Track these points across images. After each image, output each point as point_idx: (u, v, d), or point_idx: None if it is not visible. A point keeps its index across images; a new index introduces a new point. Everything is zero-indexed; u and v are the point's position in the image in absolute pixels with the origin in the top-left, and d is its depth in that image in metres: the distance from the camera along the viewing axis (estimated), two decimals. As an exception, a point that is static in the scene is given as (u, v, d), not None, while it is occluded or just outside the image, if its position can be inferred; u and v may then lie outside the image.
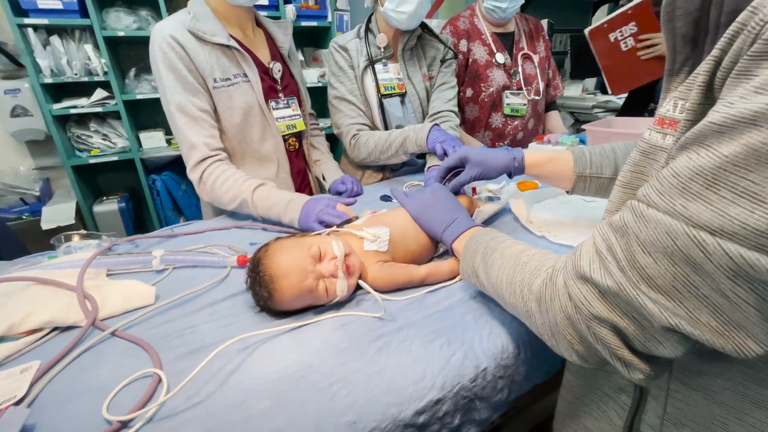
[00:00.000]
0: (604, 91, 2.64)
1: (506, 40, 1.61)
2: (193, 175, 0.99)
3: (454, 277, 0.70)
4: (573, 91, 3.04)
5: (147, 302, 0.67)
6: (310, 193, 1.27)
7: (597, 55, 1.84)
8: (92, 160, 2.15)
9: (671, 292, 0.30)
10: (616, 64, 1.78)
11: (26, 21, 1.85)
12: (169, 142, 2.35)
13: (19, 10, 1.85)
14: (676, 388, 0.40)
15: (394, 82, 1.28)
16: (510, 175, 0.79)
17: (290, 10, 2.34)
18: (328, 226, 0.79)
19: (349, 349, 0.55)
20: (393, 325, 0.59)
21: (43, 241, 0.84)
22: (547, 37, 1.74)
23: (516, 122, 1.65)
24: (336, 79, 1.27)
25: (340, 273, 0.60)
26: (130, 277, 0.75)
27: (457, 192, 0.82)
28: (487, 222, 0.91)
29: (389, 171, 1.37)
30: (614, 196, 0.41)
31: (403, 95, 1.31)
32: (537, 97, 1.65)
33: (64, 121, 2.17)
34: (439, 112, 1.31)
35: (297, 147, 1.20)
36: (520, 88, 1.62)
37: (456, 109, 1.36)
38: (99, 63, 2.01)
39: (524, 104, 1.62)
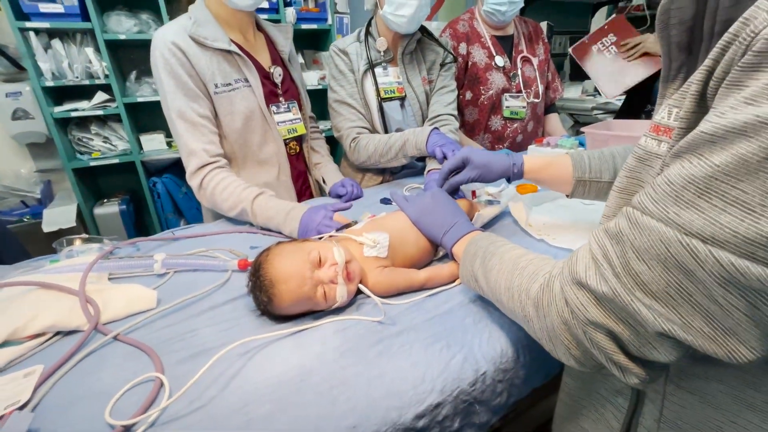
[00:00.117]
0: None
1: (505, 43, 1.62)
2: (192, 182, 1.00)
3: (453, 281, 0.70)
4: (572, 92, 3.04)
5: (149, 306, 0.67)
6: (311, 197, 1.28)
7: (585, 68, 2.02)
8: (93, 163, 2.16)
9: (665, 298, 0.30)
10: (605, 70, 1.92)
11: (28, 24, 1.86)
12: (169, 144, 2.35)
13: (20, 14, 1.86)
14: (672, 391, 0.41)
15: (393, 85, 1.29)
16: (509, 180, 0.80)
17: (290, 12, 2.35)
18: None
19: (349, 353, 0.55)
20: (393, 328, 0.60)
21: (44, 244, 0.84)
22: (546, 40, 1.74)
23: (515, 125, 1.66)
24: (336, 82, 1.28)
25: (340, 279, 0.60)
26: (132, 281, 0.76)
27: (454, 192, 0.83)
28: (487, 225, 0.92)
29: (389, 174, 1.37)
30: (611, 201, 0.42)
31: (402, 99, 1.32)
32: (536, 100, 1.66)
33: (65, 123, 2.17)
34: (438, 116, 1.32)
35: (298, 151, 1.21)
36: (520, 91, 1.62)
37: (455, 112, 1.37)
38: (100, 66, 2.02)
39: (523, 107, 1.63)
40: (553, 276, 0.41)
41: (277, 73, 1.10)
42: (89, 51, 2.01)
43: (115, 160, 2.20)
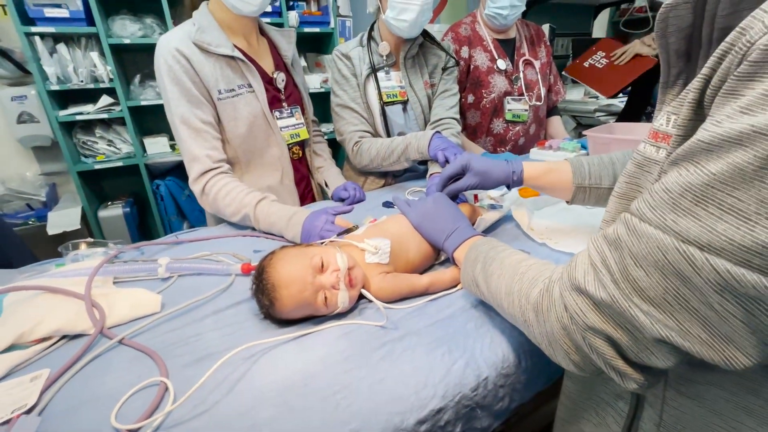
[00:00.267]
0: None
1: (507, 47, 1.62)
2: (195, 187, 1.01)
3: (455, 286, 0.71)
4: (575, 95, 3.04)
5: (153, 310, 0.68)
6: (313, 200, 1.29)
7: (581, 80, 2.23)
8: (97, 166, 2.17)
9: (662, 304, 0.31)
10: (599, 77, 2.12)
11: (33, 29, 1.88)
12: (172, 147, 2.37)
13: (26, 19, 1.88)
14: (671, 396, 0.41)
15: (396, 89, 1.30)
16: (509, 187, 0.80)
17: (293, 16, 2.36)
18: None
19: (352, 357, 0.56)
20: (395, 333, 0.60)
21: (49, 246, 0.85)
22: (548, 43, 1.75)
23: (517, 128, 1.66)
24: (339, 86, 1.29)
25: (342, 285, 0.60)
26: (136, 285, 0.76)
27: (454, 198, 0.83)
28: (489, 229, 0.92)
29: (391, 177, 1.38)
30: (610, 207, 0.42)
31: (405, 103, 1.33)
32: (538, 103, 1.66)
33: (70, 127, 2.19)
34: (440, 120, 1.32)
35: (300, 155, 1.22)
36: (522, 94, 1.63)
37: (458, 116, 1.37)
38: (104, 70, 2.04)
39: (526, 110, 1.63)
40: (552, 281, 0.42)
41: (280, 78, 1.11)
42: (94, 55, 2.03)
43: (119, 163, 2.21)
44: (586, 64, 2.23)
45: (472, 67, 1.59)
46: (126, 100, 2.13)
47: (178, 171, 2.42)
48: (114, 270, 0.77)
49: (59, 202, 2.28)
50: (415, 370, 0.53)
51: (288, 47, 1.17)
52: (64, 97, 2.18)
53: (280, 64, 1.15)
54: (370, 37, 1.29)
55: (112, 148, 2.24)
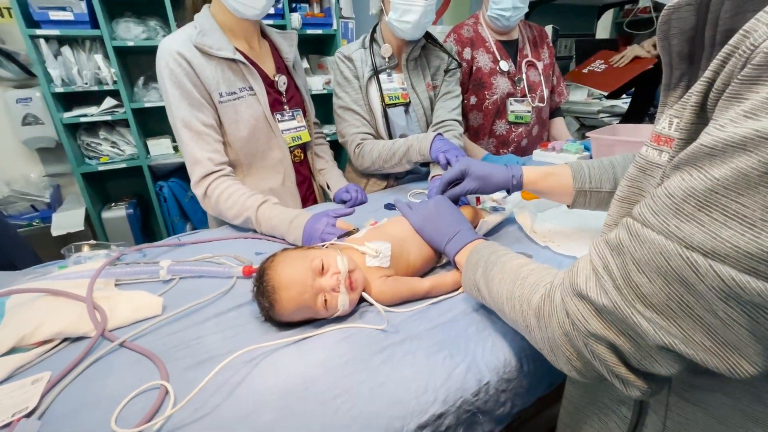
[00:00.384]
0: (610, 96, 2.66)
1: (510, 48, 1.62)
2: (197, 190, 1.01)
3: (457, 289, 0.70)
4: (578, 96, 3.03)
5: (155, 313, 0.68)
6: (315, 202, 1.29)
7: (581, 83, 2.33)
8: (101, 168, 2.18)
9: (666, 311, 0.30)
10: (599, 78, 2.22)
11: (38, 32, 1.89)
12: (176, 149, 2.38)
13: (31, 22, 1.90)
14: (675, 402, 0.41)
15: (398, 92, 1.29)
16: (508, 192, 0.80)
17: (296, 18, 2.37)
18: None
19: (353, 361, 0.55)
20: (396, 337, 0.60)
21: (53, 248, 0.86)
22: (551, 44, 1.74)
23: (520, 129, 1.66)
24: (341, 89, 1.29)
25: (342, 288, 0.60)
26: (138, 287, 0.76)
27: (456, 201, 0.83)
28: (492, 232, 0.92)
29: (393, 179, 1.38)
30: (612, 211, 0.42)
31: (407, 105, 1.32)
32: (541, 105, 1.66)
33: (74, 129, 2.20)
34: (442, 121, 1.32)
35: (302, 158, 1.22)
36: (525, 96, 1.62)
37: (460, 117, 1.37)
38: (108, 72, 2.05)
39: (528, 111, 1.63)
40: (554, 286, 0.41)
41: (282, 81, 1.11)
42: (98, 57, 2.04)
43: (123, 165, 2.22)
44: (585, 71, 2.32)
45: (474, 68, 1.58)
46: (129, 102, 2.14)
47: (181, 173, 2.43)
48: (116, 272, 0.77)
49: (63, 204, 2.29)
50: (416, 375, 0.53)
51: (289, 50, 1.17)
52: (69, 99, 2.19)
53: (282, 66, 1.15)
54: (373, 39, 1.30)
55: (115, 150, 2.25)
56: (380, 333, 0.60)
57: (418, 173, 1.41)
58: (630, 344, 0.33)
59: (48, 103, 2.00)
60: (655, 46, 1.98)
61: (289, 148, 1.15)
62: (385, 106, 1.27)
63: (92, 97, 2.16)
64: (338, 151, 1.84)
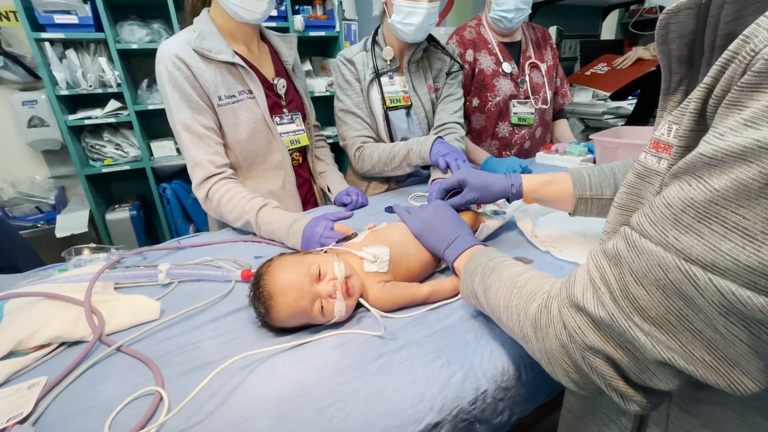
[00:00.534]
0: (614, 98, 2.64)
1: (513, 50, 1.61)
2: (198, 193, 1.01)
3: (456, 295, 0.69)
4: (583, 97, 3.01)
5: (152, 317, 0.68)
6: (315, 205, 1.28)
7: (584, 85, 2.39)
8: (105, 169, 2.20)
9: (664, 324, 0.29)
10: (601, 80, 2.27)
11: (43, 35, 1.91)
12: (179, 151, 2.39)
13: (36, 25, 1.91)
14: (676, 414, 0.40)
15: (399, 94, 1.29)
16: (509, 200, 0.79)
17: (298, 20, 2.37)
18: None
19: (349, 368, 0.55)
20: (394, 343, 0.59)
21: (58, 249, 0.86)
22: (554, 46, 1.73)
23: (523, 131, 1.64)
24: (342, 91, 1.28)
25: (338, 294, 0.60)
26: (137, 291, 0.76)
27: (458, 208, 0.82)
28: (493, 236, 0.91)
29: (394, 182, 1.37)
30: (611, 218, 0.41)
31: (408, 107, 1.32)
32: (544, 106, 1.64)
33: (79, 131, 2.22)
34: (444, 124, 1.31)
35: (301, 161, 1.22)
36: (528, 97, 1.61)
37: (462, 120, 1.36)
38: (112, 75, 2.06)
39: (532, 113, 1.62)
40: (551, 296, 0.40)
41: (281, 84, 1.11)
42: (102, 60, 2.05)
43: (127, 167, 2.24)
44: (588, 73, 2.38)
45: (477, 70, 1.57)
46: (133, 104, 2.16)
47: (184, 175, 2.44)
48: (115, 276, 0.78)
49: (68, 205, 2.30)
50: (413, 383, 0.52)
51: (289, 53, 1.16)
52: (74, 102, 2.21)
53: (281, 69, 1.15)
54: (374, 42, 1.29)
55: (119, 152, 2.26)
56: (377, 339, 0.60)
57: (419, 176, 1.40)
58: (628, 358, 0.33)
59: (53, 106, 2.02)
60: None
61: (288, 151, 1.15)
62: (387, 109, 1.27)
63: (96, 100, 2.17)
64: (340, 153, 1.84)
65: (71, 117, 2.08)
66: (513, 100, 1.60)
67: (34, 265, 0.92)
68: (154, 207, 2.41)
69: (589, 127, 2.89)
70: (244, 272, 0.77)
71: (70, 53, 2.01)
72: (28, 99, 2.10)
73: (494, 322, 0.61)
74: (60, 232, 1.98)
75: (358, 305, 0.64)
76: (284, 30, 2.35)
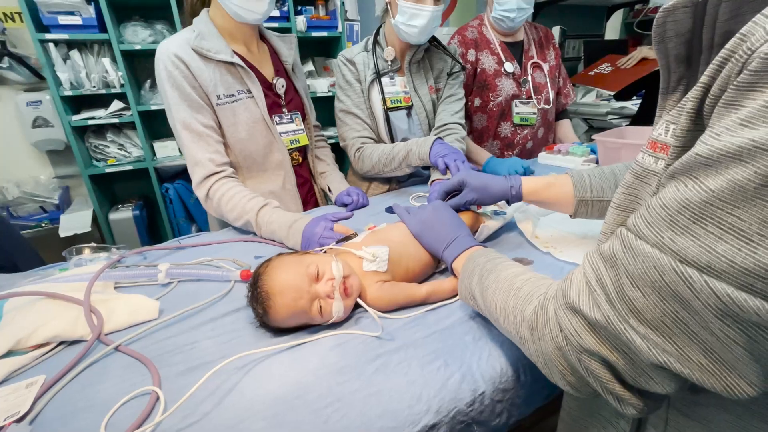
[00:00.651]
0: (618, 98, 2.62)
1: (515, 49, 1.60)
2: (199, 192, 1.01)
3: (455, 296, 0.69)
4: (587, 97, 2.99)
5: (151, 317, 0.68)
6: (316, 205, 1.28)
7: (587, 85, 2.36)
8: (108, 169, 2.21)
9: (660, 327, 0.29)
10: (605, 80, 2.24)
11: (48, 36, 1.92)
12: (181, 151, 2.40)
13: (41, 26, 1.93)
14: (674, 417, 0.39)
15: (400, 95, 1.29)
16: (508, 202, 0.79)
17: (301, 21, 2.37)
18: None
19: (346, 369, 0.55)
20: (392, 344, 0.59)
21: (61, 248, 0.87)
22: (557, 46, 1.72)
23: (525, 131, 1.64)
24: (343, 92, 1.28)
25: (336, 294, 0.59)
26: (137, 290, 0.77)
27: (458, 208, 0.82)
28: (493, 236, 0.90)
29: (395, 182, 1.37)
30: (609, 218, 0.41)
31: (409, 108, 1.32)
32: (547, 106, 1.64)
33: (82, 131, 2.24)
34: (445, 125, 1.31)
35: (300, 161, 1.22)
36: (530, 97, 1.60)
37: (463, 121, 1.35)
38: (116, 76, 2.07)
39: (534, 113, 1.61)
40: (547, 298, 0.40)
41: (280, 84, 1.11)
42: (106, 61, 2.07)
43: (130, 167, 2.25)
44: (591, 73, 2.35)
45: (478, 70, 1.57)
46: (136, 104, 2.17)
47: (186, 174, 2.42)
48: (115, 275, 0.78)
49: (71, 205, 2.32)
50: (410, 384, 0.52)
51: (289, 53, 1.17)
52: (77, 102, 2.23)
53: (281, 69, 1.15)
54: (376, 42, 1.29)
55: (122, 152, 2.28)
56: (375, 340, 0.60)
57: (420, 176, 1.40)
58: (624, 361, 0.32)
59: (57, 106, 2.03)
60: None
61: (288, 150, 1.15)
62: (387, 110, 1.27)
63: (100, 100, 2.19)
64: (341, 154, 1.84)
65: (75, 117, 2.10)
66: (515, 100, 1.60)
67: (34, 265, 0.93)
68: (156, 207, 2.43)
69: (593, 127, 2.87)
70: (244, 272, 0.77)
71: (74, 54, 2.02)
72: (32, 99, 2.11)
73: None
74: (63, 232, 2.00)
75: (357, 305, 0.64)
76: (287, 30, 2.35)
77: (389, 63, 1.28)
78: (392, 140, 1.30)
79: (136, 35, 2.11)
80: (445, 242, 0.67)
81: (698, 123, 0.30)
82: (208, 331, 0.65)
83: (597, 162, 1.39)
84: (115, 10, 2.07)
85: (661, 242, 0.28)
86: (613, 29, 3.78)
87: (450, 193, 0.82)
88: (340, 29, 2.53)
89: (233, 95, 1.02)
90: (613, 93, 2.28)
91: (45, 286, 0.72)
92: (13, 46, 2.10)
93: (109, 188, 2.52)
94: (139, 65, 2.40)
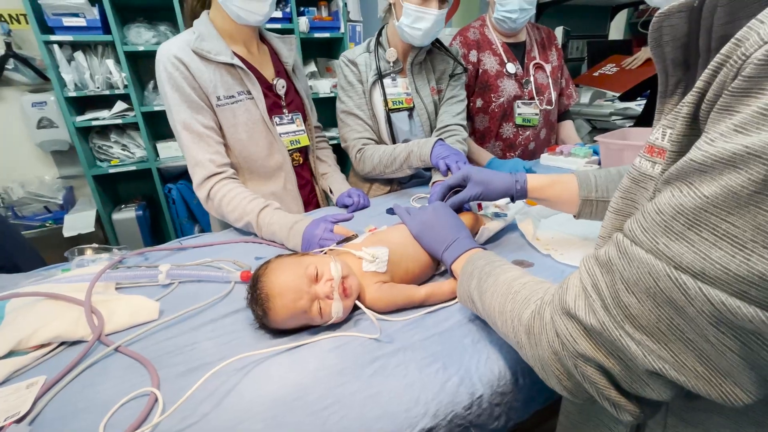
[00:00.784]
0: (623, 98, 2.61)
1: (518, 50, 1.60)
2: (200, 193, 1.01)
3: (454, 298, 0.69)
4: (590, 98, 2.98)
5: (151, 317, 0.68)
6: (317, 206, 1.29)
7: (592, 86, 2.36)
8: (112, 170, 2.22)
9: (656, 333, 0.29)
10: (610, 81, 2.24)
11: (52, 38, 1.94)
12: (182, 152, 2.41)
13: (45, 28, 1.94)
14: (673, 423, 0.39)
15: (402, 96, 1.29)
16: (512, 199, 0.78)
17: (303, 22, 2.38)
18: None
19: (344, 371, 0.55)
20: (390, 347, 0.59)
21: (65, 249, 0.87)
22: (559, 46, 1.72)
23: (527, 132, 1.63)
24: (344, 93, 1.28)
25: (335, 295, 0.60)
26: (138, 291, 0.77)
27: (459, 208, 0.82)
28: (493, 238, 0.90)
29: (397, 183, 1.37)
30: (607, 222, 0.41)
31: (411, 109, 1.31)
32: (549, 107, 1.63)
33: (86, 132, 2.25)
34: (447, 126, 1.31)
35: (301, 162, 1.22)
36: (532, 98, 1.60)
37: (464, 122, 1.35)
38: (120, 77, 2.09)
39: (536, 114, 1.60)
40: (544, 303, 0.40)
41: (281, 85, 1.12)
42: (110, 62, 2.08)
43: (133, 167, 2.26)
44: (596, 74, 2.35)
45: (480, 71, 1.57)
46: (140, 105, 2.18)
47: (189, 175, 2.46)
48: (116, 276, 0.78)
49: (76, 205, 2.34)
50: (408, 387, 0.52)
51: (289, 54, 1.17)
52: (81, 103, 2.24)
53: (282, 70, 1.16)
54: (378, 43, 1.29)
55: (126, 153, 2.29)
56: (374, 342, 0.60)
57: (422, 177, 1.40)
58: (620, 367, 0.32)
59: (61, 107, 2.05)
60: None
61: (288, 151, 1.15)
62: (389, 111, 1.27)
63: (104, 101, 2.20)
64: (343, 155, 1.84)
65: (79, 118, 2.11)
66: (517, 101, 1.59)
67: (35, 264, 0.94)
68: (159, 207, 2.44)
69: (597, 128, 2.86)
70: (244, 273, 0.78)
71: (78, 55, 2.04)
72: (37, 100, 2.13)
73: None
74: (67, 232, 2.01)
75: (356, 307, 0.64)
76: (289, 31, 2.35)
77: (391, 64, 1.28)
78: (394, 141, 1.30)
79: (140, 36, 2.12)
80: (444, 244, 0.67)
81: (694, 128, 0.29)
82: (208, 332, 0.65)
83: (599, 163, 1.39)
84: (118, 11, 2.09)
85: (656, 248, 0.28)
86: (617, 29, 3.76)
87: (453, 189, 0.82)
88: (342, 30, 2.53)
89: (233, 96, 1.03)
90: (618, 94, 2.25)
91: (47, 287, 0.72)
92: (19, 48, 2.12)
93: (113, 188, 2.53)
94: (143, 66, 2.41)
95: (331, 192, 1.26)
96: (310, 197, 1.26)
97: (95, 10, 1.96)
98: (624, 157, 1.22)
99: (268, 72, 1.12)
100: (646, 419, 0.34)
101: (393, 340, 0.60)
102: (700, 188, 0.25)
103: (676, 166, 0.28)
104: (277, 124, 1.11)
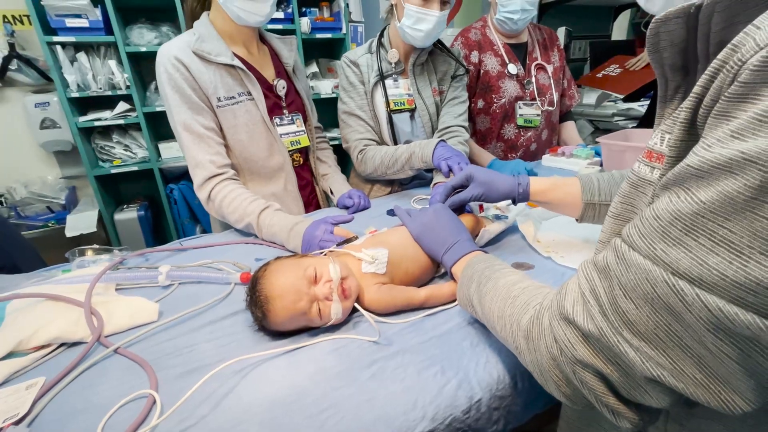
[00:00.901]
0: (626, 99, 2.60)
1: (519, 51, 1.60)
2: (201, 194, 1.02)
3: (453, 300, 0.69)
4: (592, 98, 2.97)
5: (150, 319, 0.68)
6: (318, 207, 1.28)
7: (595, 87, 2.34)
8: (114, 170, 2.23)
9: (654, 340, 0.28)
10: (614, 82, 2.21)
11: (55, 39, 1.95)
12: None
13: (48, 29, 1.95)
14: (673, 429, 0.39)
15: (404, 97, 1.28)
16: (514, 201, 0.78)
17: (305, 22, 2.38)
18: None
19: (342, 374, 0.54)
20: (389, 349, 0.58)
21: (67, 248, 0.87)
22: (561, 47, 1.71)
23: (529, 133, 1.63)
24: (346, 94, 1.28)
25: (335, 296, 0.59)
26: (138, 292, 0.77)
27: (460, 210, 0.81)
28: (494, 240, 0.90)
29: (398, 185, 1.37)
30: (606, 228, 0.40)
31: (412, 110, 1.31)
32: (551, 108, 1.63)
33: (89, 132, 2.26)
34: (448, 127, 1.31)
35: (301, 162, 1.22)
36: (534, 99, 1.59)
37: (466, 123, 1.35)
38: (122, 77, 2.09)
39: (538, 115, 1.60)
40: (543, 308, 0.40)
41: (281, 85, 1.12)
42: (112, 63, 2.08)
43: (135, 168, 2.27)
44: (599, 75, 2.32)
45: (482, 71, 1.56)
46: (142, 106, 2.19)
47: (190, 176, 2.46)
48: (116, 277, 0.78)
49: (78, 205, 2.34)
50: (406, 390, 0.51)
51: (289, 54, 1.17)
52: (84, 104, 2.25)
53: (282, 71, 1.16)
54: (380, 44, 1.29)
55: (128, 153, 2.30)
56: (372, 345, 0.59)
57: (423, 179, 1.39)
58: (618, 373, 0.32)
59: (64, 108, 2.06)
60: None
61: (288, 152, 1.15)
62: (390, 112, 1.27)
63: (106, 102, 2.21)
64: (344, 156, 1.84)
65: (82, 119, 2.12)
66: (519, 102, 1.59)
67: (35, 265, 0.94)
68: (161, 207, 2.44)
69: (599, 129, 2.85)
70: (244, 275, 0.78)
71: (81, 56, 2.05)
72: (40, 101, 2.14)
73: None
74: (70, 232, 2.02)
75: (355, 309, 0.64)
76: (291, 32, 2.36)
77: (393, 65, 1.28)
78: (395, 142, 1.30)
79: (142, 37, 2.13)
80: (445, 246, 0.67)
81: (692, 133, 0.29)
82: (207, 334, 0.65)
83: (601, 165, 1.38)
84: (121, 12, 2.09)
85: (654, 254, 0.27)
86: (620, 30, 3.74)
87: (456, 189, 0.82)
88: (344, 31, 2.53)
89: (233, 97, 1.03)
90: (622, 96, 2.24)
91: (47, 288, 0.73)
92: (22, 49, 2.13)
93: (115, 189, 2.54)
94: (145, 67, 2.42)
95: (331, 193, 1.26)
96: (311, 198, 1.26)
97: (98, 11, 1.97)
98: (626, 159, 1.22)
99: (269, 73, 1.12)
100: (646, 426, 0.34)
101: (392, 342, 0.60)
102: (697, 194, 0.25)
103: (673, 172, 0.28)
104: (277, 125, 1.11)
